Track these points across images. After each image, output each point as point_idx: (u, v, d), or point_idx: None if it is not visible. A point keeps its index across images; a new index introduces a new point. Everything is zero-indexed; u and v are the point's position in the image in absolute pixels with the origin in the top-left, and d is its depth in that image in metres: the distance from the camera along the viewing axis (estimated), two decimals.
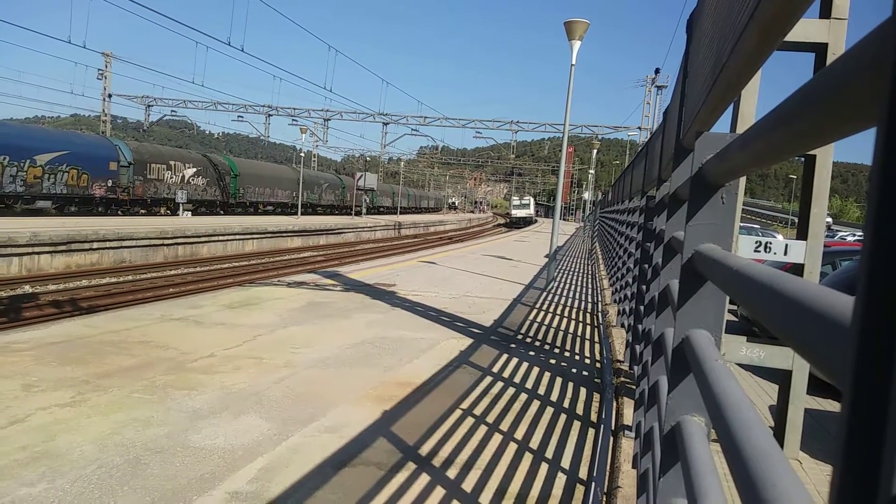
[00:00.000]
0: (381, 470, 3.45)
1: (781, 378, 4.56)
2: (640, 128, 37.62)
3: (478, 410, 4.57)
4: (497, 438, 4.06)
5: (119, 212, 26.90)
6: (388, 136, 53.11)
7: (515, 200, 69.62)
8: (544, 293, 10.99)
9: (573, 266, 17.65)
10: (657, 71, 34.67)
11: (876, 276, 0.39)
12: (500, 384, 5.28)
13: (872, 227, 0.39)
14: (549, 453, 3.89)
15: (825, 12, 4.07)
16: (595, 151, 41.15)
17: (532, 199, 71.65)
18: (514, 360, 6.12)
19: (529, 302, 9.88)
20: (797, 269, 4.31)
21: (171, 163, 29.70)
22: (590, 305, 10.26)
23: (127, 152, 27.04)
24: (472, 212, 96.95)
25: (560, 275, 14.27)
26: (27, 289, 12.68)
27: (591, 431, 4.32)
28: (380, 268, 13.55)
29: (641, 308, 4.43)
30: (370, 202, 51.08)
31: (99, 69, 40.53)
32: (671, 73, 34.64)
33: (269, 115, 49.80)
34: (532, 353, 6.51)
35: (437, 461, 3.63)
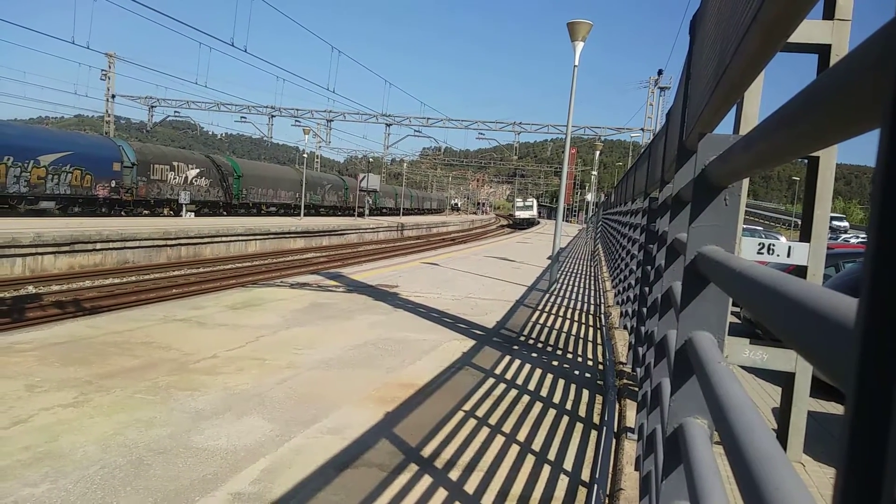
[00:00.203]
0: (384, 471, 3.45)
1: (784, 380, 4.55)
2: (643, 129, 37.60)
3: (480, 412, 4.57)
4: (499, 440, 4.05)
5: (122, 212, 26.97)
6: (390, 137, 53.14)
7: (519, 202, 70.26)
8: (547, 295, 10.98)
9: (576, 268, 17.63)
10: (660, 72, 34.68)
11: (880, 278, 0.39)
12: (502, 386, 5.27)
13: (876, 228, 0.39)
14: (552, 455, 3.88)
15: (828, 13, 4.07)
16: (598, 153, 41.16)
17: (535, 201, 72.32)
18: (517, 362, 6.11)
19: (532, 304, 9.87)
20: (800, 271, 4.30)
21: (175, 164, 29.76)
22: (592, 307, 10.25)
23: (130, 153, 27.10)
24: (475, 213, 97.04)
25: (563, 276, 14.26)
26: (31, 289, 12.72)
27: (594, 434, 4.31)
28: (382, 269, 13.56)
29: (644, 310, 4.43)
30: (373, 203, 51.12)
31: (102, 70, 40.63)
32: (674, 74, 34.67)
33: (272, 116, 49.91)
34: (534, 354, 6.50)
35: (439, 463, 3.63)
